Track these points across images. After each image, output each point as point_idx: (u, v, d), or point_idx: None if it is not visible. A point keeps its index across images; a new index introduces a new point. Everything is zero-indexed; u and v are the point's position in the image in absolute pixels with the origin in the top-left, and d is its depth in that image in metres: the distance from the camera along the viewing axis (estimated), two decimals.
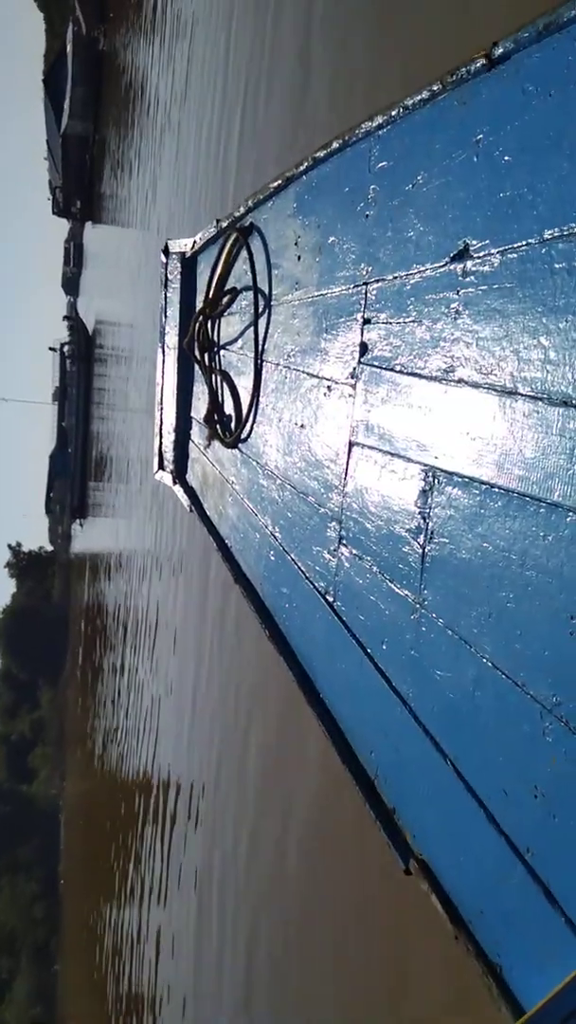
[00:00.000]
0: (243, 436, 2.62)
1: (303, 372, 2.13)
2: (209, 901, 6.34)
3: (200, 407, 3.14)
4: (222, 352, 2.86)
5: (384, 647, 1.66)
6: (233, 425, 2.70)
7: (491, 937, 1.27)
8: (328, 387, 1.96)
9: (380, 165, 1.72)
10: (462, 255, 1.38)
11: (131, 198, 17.92)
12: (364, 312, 1.77)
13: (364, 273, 1.78)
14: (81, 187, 34.60)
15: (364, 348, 1.77)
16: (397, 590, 1.59)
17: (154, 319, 4.15)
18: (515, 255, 1.24)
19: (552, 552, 1.14)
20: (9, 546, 65.85)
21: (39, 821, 49.27)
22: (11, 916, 47.23)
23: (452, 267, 1.42)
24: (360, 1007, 3.47)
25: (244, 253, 2.54)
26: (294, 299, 2.21)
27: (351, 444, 1.82)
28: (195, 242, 3.15)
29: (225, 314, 2.82)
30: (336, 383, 1.92)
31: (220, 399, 2.83)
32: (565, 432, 1.12)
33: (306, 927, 4.24)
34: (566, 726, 1.10)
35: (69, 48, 30.32)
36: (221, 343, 2.86)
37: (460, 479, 1.38)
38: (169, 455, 3.53)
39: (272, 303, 2.38)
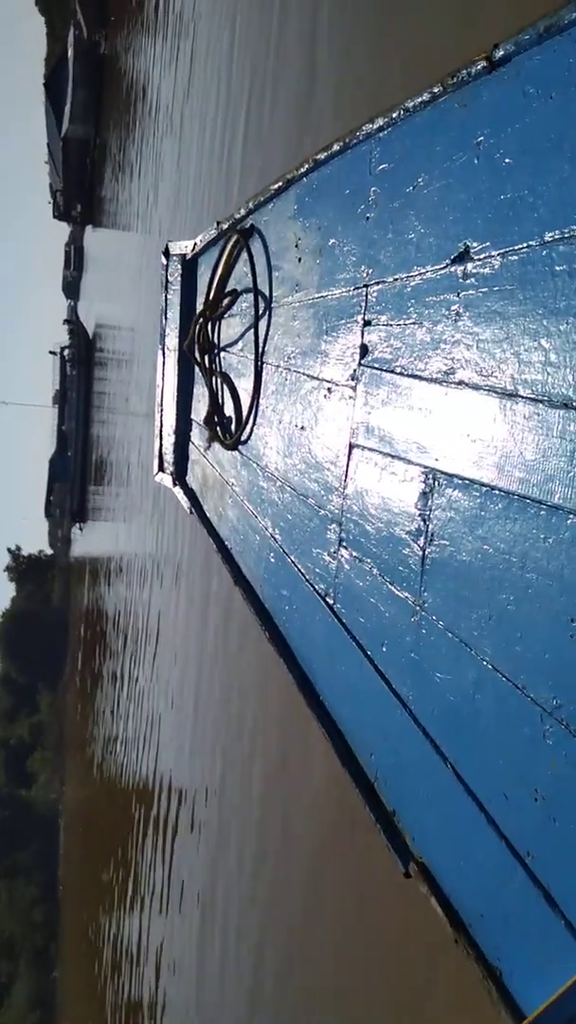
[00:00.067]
0: (243, 438, 2.62)
1: (303, 374, 2.13)
2: (210, 907, 6.32)
3: (200, 409, 3.14)
4: (222, 354, 2.86)
5: (384, 649, 1.65)
6: (233, 427, 2.69)
7: (491, 941, 1.26)
8: (328, 389, 1.96)
9: (381, 167, 1.72)
10: (463, 257, 1.38)
11: (132, 202, 17.93)
12: (364, 314, 1.77)
13: (365, 275, 1.78)
14: (82, 191, 34.61)
15: (364, 350, 1.77)
16: (397, 592, 1.59)
17: (155, 323, 4.13)
18: (516, 257, 1.24)
19: (553, 554, 1.14)
20: (9, 550, 65.85)
21: (38, 826, 49.17)
22: (10, 921, 47.14)
23: (453, 269, 1.42)
24: (360, 1008, 3.46)
25: (245, 255, 2.54)
26: (294, 301, 2.21)
27: (351, 446, 1.82)
28: (196, 244, 3.15)
29: (225, 316, 2.82)
30: (336, 385, 1.91)
31: (220, 401, 2.83)
32: (566, 434, 1.12)
33: (307, 930, 4.23)
34: (567, 729, 1.10)
35: (70, 51, 30.34)
36: (221, 345, 2.86)
37: (460, 481, 1.38)
38: (169, 457, 3.54)
39: (272, 305, 2.38)
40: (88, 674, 25.49)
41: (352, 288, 1.84)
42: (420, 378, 1.53)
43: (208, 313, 2.85)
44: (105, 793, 16.50)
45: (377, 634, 1.68)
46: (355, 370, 1.81)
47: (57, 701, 51.55)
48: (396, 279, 1.64)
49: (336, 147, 1.89)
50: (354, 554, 1.79)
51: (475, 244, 1.35)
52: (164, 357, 3.55)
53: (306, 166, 2.08)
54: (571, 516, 1.11)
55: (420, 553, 1.51)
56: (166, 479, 3.58)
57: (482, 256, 1.33)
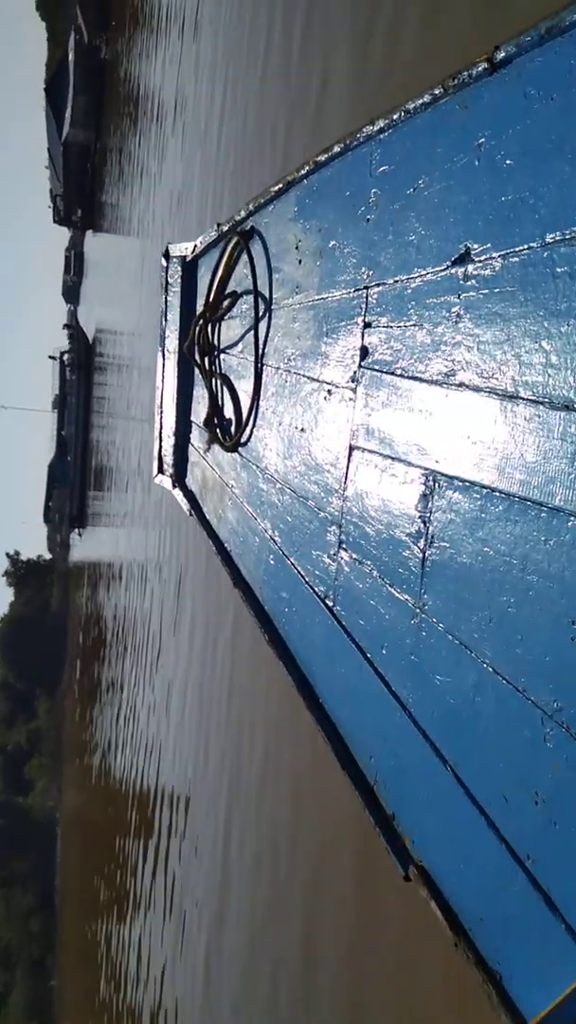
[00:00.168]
0: (243, 440, 2.61)
1: (303, 376, 2.13)
2: (209, 914, 6.29)
3: (200, 411, 3.14)
4: (222, 356, 2.86)
5: (384, 652, 1.65)
6: (233, 429, 2.69)
7: (491, 944, 1.26)
8: (328, 391, 1.96)
9: (381, 169, 1.72)
10: (463, 259, 1.38)
11: (132, 207, 17.94)
12: (365, 316, 1.77)
13: (365, 277, 1.78)
14: (82, 195, 34.67)
15: (365, 352, 1.76)
16: (397, 594, 1.59)
17: (154, 328, 4.10)
18: (517, 259, 1.24)
19: (553, 557, 1.14)
20: (7, 554, 65.80)
21: (35, 833, 48.96)
22: (6, 929, 46.91)
23: (453, 271, 1.42)
24: (360, 1011, 3.45)
25: (245, 257, 2.54)
26: (295, 303, 2.20)
27: (351, 448, 1.82)
28: (196, 246, 3.16)
29: (225, 318, 2.81)
30: (336, 387, 1.91)
31: (220, 403, 2.83)
32: (566, 436, 1.11)
33: (307, 934, 4.22)
34: (567, 732, 1.10)
35: (71, 56, 30.43)
36: (221, 347, 2.86)
37: (461, 483, 1.38)
38: (169, 459, 3.54)
39: (273, 307, 2.38)
40: (87, 680, 25.42)
41: (352, 290, 1.84)
42: (420, 380, 1.52)
43: (208, 315, 2.84)
44: (103, 800, 16.48)
45: (377, 636, 1.68)
46: (355, 372, 1.80)
47: (55, 707, 51.41)
48: (396, 281, 1.64)
49: (336, 149, 1.89)
50: (354, 556, 1.79)
51: (476, 246, 1.35)
52: (164, 359, 3.55)
53: (306, 168, 2.08)
54: (572, 518, 1.10)
55: (420, 555, 1.50)
56: (166, 481, 3.58)
57: (483, 258, 1.33)
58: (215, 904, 6.15)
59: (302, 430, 2.13)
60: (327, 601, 1.93)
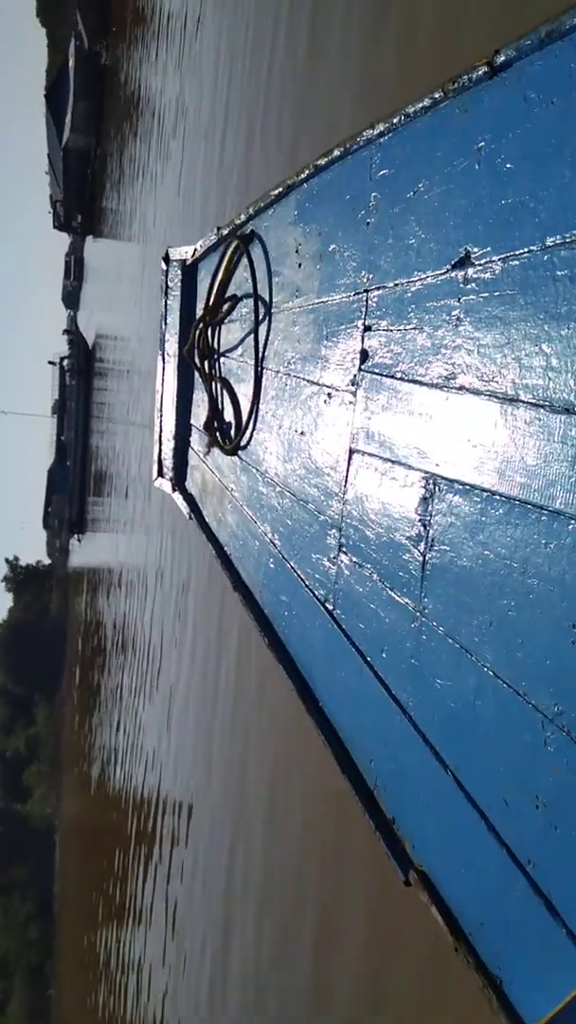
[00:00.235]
0: (243, 443, 2.61)
1: (303, 379, 2.13)
2: (208, 921, 6.27)
3: (200, 414, 3.14)
4: (222, 359, 2.86)
5: (384, 655, 1.65)
6: (233, 432, 2.69)
7: (492, 949, 1.25)
8: (328, 394, 1.96)
9: (381, 173, 1.72)
10: (463, 262, 1.38)
11: (132, 212, 17.94)
12: (365, 319, 1.77)
13: (365, 280, 1.78)
14: (82, 201, 34.69)
15: (365, 355, 1.76)
16: (397, 598, 1.59)
17: (154, 333, 4.11)
18: (517, 262, 1.24)
19: (554, 560, 1.13)
20: (7, 560, 65.72)
21: (34, 841, 48.74)
22: (5, 937, 46.67)
23: (453, 274, 1.42)
24: (360, 1016, 3.44)
25: (245, 260, 2.54)
26: (295, 306, 2.20)
27: (351, 451, 1.82)
28: (196, 249, 3.16)
29: (225, 321, 2.82)
30: (336, 390, 1.91)
31: (220, 406, 2.83)
32: (567, 439, 1.11)
33: (307, 940, 4.20)
34: (568, 736, 1.09)
35: (71, 62, 30.48)
36: (221, 350, 2.87)
37: (461, 486, 1.38)
38: (168, 462, 3.54)
39: (272, 310, 2.38)
40: (86, 686, 25.34)
41: (352, 293, 1.84)
42: (421, 383, 1.52)
43: (208, 318, 2.85)
44: (102, 807, 16.44)
45: (377, 640, 1.68)
46: (355, 375, 1.80)
47: (54, 713, 51.26)
48: (397, 284, 1.63)
49: (337, 152, 1.89)
50: (354, 559, 1.79)
51: (476, 249, 1.35)
52: (164, 363, 3.56)
53: (306, 171, 2.07)
54: (572, 521, 1.10)
55: (420, 559, 1.50)
56: (165, 484, 3.59)
57: (483, 261, 1.33)
58: (216, 911, 6.12)
59: (302, 433, 2.13)
60: (327, 605, 1.92)
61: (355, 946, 3.54)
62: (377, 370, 1.70)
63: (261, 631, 2.32)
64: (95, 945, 15.82)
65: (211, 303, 2.80)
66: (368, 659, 1.71)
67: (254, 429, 2.53)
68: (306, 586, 2.05)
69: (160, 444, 3.64)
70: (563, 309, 1.13)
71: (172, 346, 3.44)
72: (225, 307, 2.76)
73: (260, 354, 2.45)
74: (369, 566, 1.71)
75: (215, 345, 2.89)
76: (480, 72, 1.32)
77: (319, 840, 4.06)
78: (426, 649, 1.47)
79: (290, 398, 2.23)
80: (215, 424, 2.84)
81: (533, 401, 1.18)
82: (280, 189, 2.26)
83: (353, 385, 1.81)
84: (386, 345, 1.67)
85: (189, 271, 3.28)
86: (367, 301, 1.76)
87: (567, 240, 1.13)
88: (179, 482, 3.46)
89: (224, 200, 7.26)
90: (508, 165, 1.27)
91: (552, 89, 1.17)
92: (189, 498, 3.32)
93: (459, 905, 1.35)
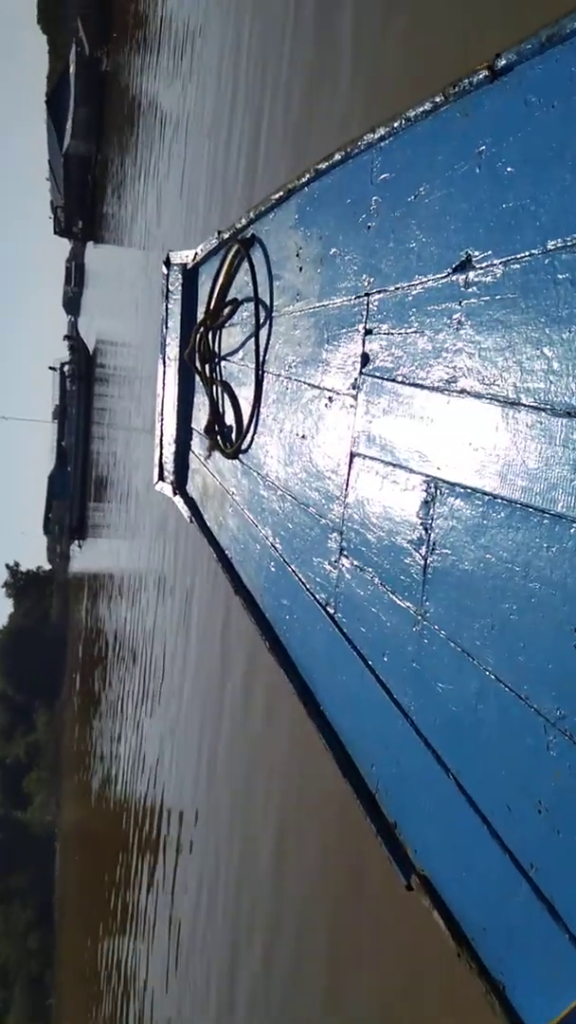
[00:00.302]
0: (244, 447, 2.61)
1: (304, 383, 2.13)
2: (213, 929, 6.23)
3: (201, 418, 3.15)
4: (223, 363, 2.86)
5: (385, 659, 1.65)
6: (234, 436, 2.69)
7: (494, 955, 1.25)
8: (329, 398, 1.96)
9: (382, 176, 1.72)
10: (464, 266, 1.38)
11: (133, 218, 17.96)
12: (366, 323, 1.77)
13: (366, 284, 1.78)
14: (83, 207, 34.73)
15: (365, 359, 1.76)
16: (399, 602, 1.59)
17: (155, 339, 4.12)
18: (518, 266, 1.24)
19: (555, 564, 1.13)
20: (7, 565, 65.68)
21: (34, 848, 48.55)
22: (5, 946, 46.43)
23: (454, 278, 1.42)
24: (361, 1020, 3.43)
25: (245, 264, 2.54)
26: (295, 310, 2.21)
27: (352, 455, 1.82)
28: (196, 254, 3.17)
29: (226, 325, 2.82)
30: (337, 394, 1.91)
31: (221, 410, 2.83)
32: (568, 443, 1.11)
33: (309, 947, 4.19)
34: (570, 740, 1.09)
35: (72, 68, 30.54)
36: (222, 354, 2.87)
37: (462, 490, 1.38)
38: (169, 466, 3.55)
39: (273, 314, 2.38)
40: (87, 693, 25.26)
41: (353, 297, 1.84)
42: (422, 387, 1.52)
43: (209, 322, 2.85)
44: (102, 815, 16.38)
45: (378, 644, 1.68)
46: (356, 379, 1.81)
47: (54, 720, 51.12)
48: (397, 288, 1.63)
49: (337, 156, 1.89)
50: (355, 563, 1.79)
51: (477, 253, 1.35)
52: (165, 366, 3.56)
53: (307, 175, 2.08)
54: (574, 525, 1.10)
55: (422, 562, 1.50)
56: (166, 488, 3.59)
57: (484, 265, 1.33)
58: (217, 919, 6.09)
59: (303, 437, 2.13)
60: (328, 608, 1.92)
61: (357, 950, 3.53)
62: (378, 374, 1.70)
63: (262, 635, 2.31)
64: (96, 954, 15.74)
65: (212, 307, 2.80)
66: (369, 663, 1.70)
67: (255, 433, 2.53)
68: (307, 590, 2.05)
69: (161, 448, 3.65)
70: (564, 312, 1.13)
71: (173, 350, 3.44)
72: (226, 311, 2.76)
73: (261, 358, 2.45)
74: (370, 570, 1.71)
75: (216, 349, 2.89)
76: (481, 76, 1.32)
77: (321, 845, 4.05)
78: (428, 653, 1.47)
79: (291, 402, 2.23)
80: (216, 428, 2.84)
81: (534, 404, 1.18)
82: (281, 193, 2.26)
83: (354, 389, 1.81)
84: (387, 349, 1.67)
85: (190, 275, 3.28)
86: (368, 305, 1.76)
87: (568, 243, 1.13)
88: (180, 486, 3.47)
89: (224, 205, 7.26)
90: (509, 169, 1.28)
91: (553, 93, 1.18)
92: (190, 502, 3.32)
93: (461, 910, 1.34)
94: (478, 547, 1.32)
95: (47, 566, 63.38)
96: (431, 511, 1.47)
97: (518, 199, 1.25)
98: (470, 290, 1.37)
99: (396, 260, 1.65)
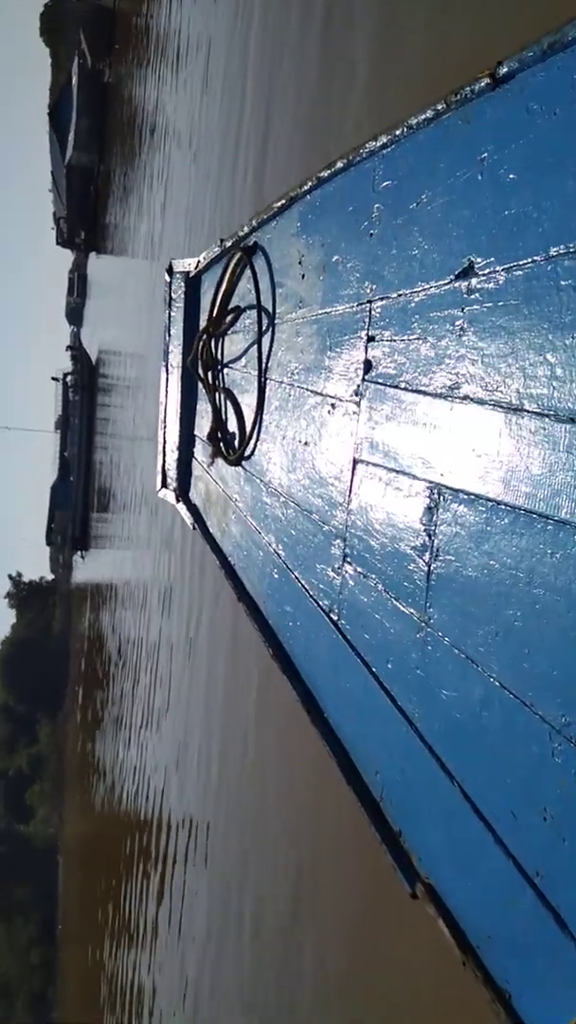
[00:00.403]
0: (246, 454, 2.62)
1: (307, 390, 2.13)
2: (214, 941, 6.22)
3: (204, 425, 3.15)
4: (226, 370, 2.87)
5: (389, 666, 1.64)
6: (236, 443, 2.70)
7: (500, 963, 1.24)
8: (332, 404, 1.96)
9: (384, 184, 1.73)
10: (467, 273, 1.39)
11: (135, 229, 18.00)
12: (368, 330, 1.77)
13: (368, 291, 1.78)
14: (85, 218, 34.84)
15: (368, 366, 1.76)
16: (402, 608, 1.58)
17: (158, 350, 4.13)
18: (520, 272, 1.24)
19: (560, 570, 1.13)
20: (9, 576, 65.66)
21: (36, 862, 48.26)
22: (6, 961, 46.09)
23: (457, 285, 1.42)
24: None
25: (248, 272, 2.55)
26: (298, 317, 2.21)
27: (355, 461, 1.82)
28: (199, 261, 3.18)
29: (229, 333, 2.83)
30: (340, 400, 1.91)
31: (223, 417, 2.83)
32: (572, 448, 1.11)
33: (312, 957, 4.18)
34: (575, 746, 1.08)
35: (74, 80, 30.70)
36: (225, 361, 2.88)
37: (466, 496, 1.38)
38: (172, 473, 3.56)
39: (276, 322, 2.38)
40: (89, 704, 25.16)
41: (356, 304, 1.84)
42: (424, 393, 1.52)
43: (211, 330, 2.86)
44: (106, 828, 16.28)
45: (382, 650, 1.68)
46: (359, 385, 1.81)
47: (57, 732, 50.94)
48: (400, 295, 1.64)
49: (339, 164, 1.90)
50: (359, 570, 1.79)
51: (479, 260, 1.35)
52: (168, 374, 3.57)
53: (309, 183, 2.08)
54: None
55: (425, 569, 1.50)
56: (169, 495, 3.60)
57: (486, 271, 1.33)
58: (223, 932, 6.05)
59: (306, 444, 2.13)
60: (332, 615, 1.92)
61: (360, 958, 3.51)
62: (381, 380, 1.70)
63: (266, 642, 2.31)
64: (100, 970, 15.59)
65: (214, 315, 2.81)
66: (373, 669, 1.70)
67: (258, 440, 2.53)
68: (310, 596, 2.04)
69: (164, 455, 3.65)
70: (567, 318, 1.13)
71: (176, 358, 3.45)
72: (228, 319, 2.77)
73: (263, 365, 2.45)
74: (374, 576, 1.71)
75: (219, 356, 2.90)
76: (483, 83, 1.32)
77: (327, 851, 4.02)
78: (431, 659, 1.47)
79: (294, 408, 2.23)
80: (219, 435, 2.84)
81: (538, 410, 1.18)
82: (283, 201, 2.26)
83: (357, 395, 1.81)
84: (390, 355, 1.67)
85: (192, 283, 3.30)
86: (370, 312, 1.76)
87: (571, 250, 1.13)
88: (183, 493, 3.47)
89: (227, 215, 7.27)
90: (511, 176, 1.28)
91: (555, 100, 1.18)
92: (193, 509, 3.33)
93: (466, 918, 1.34)
94: (482, 553, 1.32)
95: (50, 577, 63.31)
96: (434, 517, 1.47)
97: (520, 206, 1.25)
98: (472, 296, 1.37)
99: (398, 267, 1.65)
